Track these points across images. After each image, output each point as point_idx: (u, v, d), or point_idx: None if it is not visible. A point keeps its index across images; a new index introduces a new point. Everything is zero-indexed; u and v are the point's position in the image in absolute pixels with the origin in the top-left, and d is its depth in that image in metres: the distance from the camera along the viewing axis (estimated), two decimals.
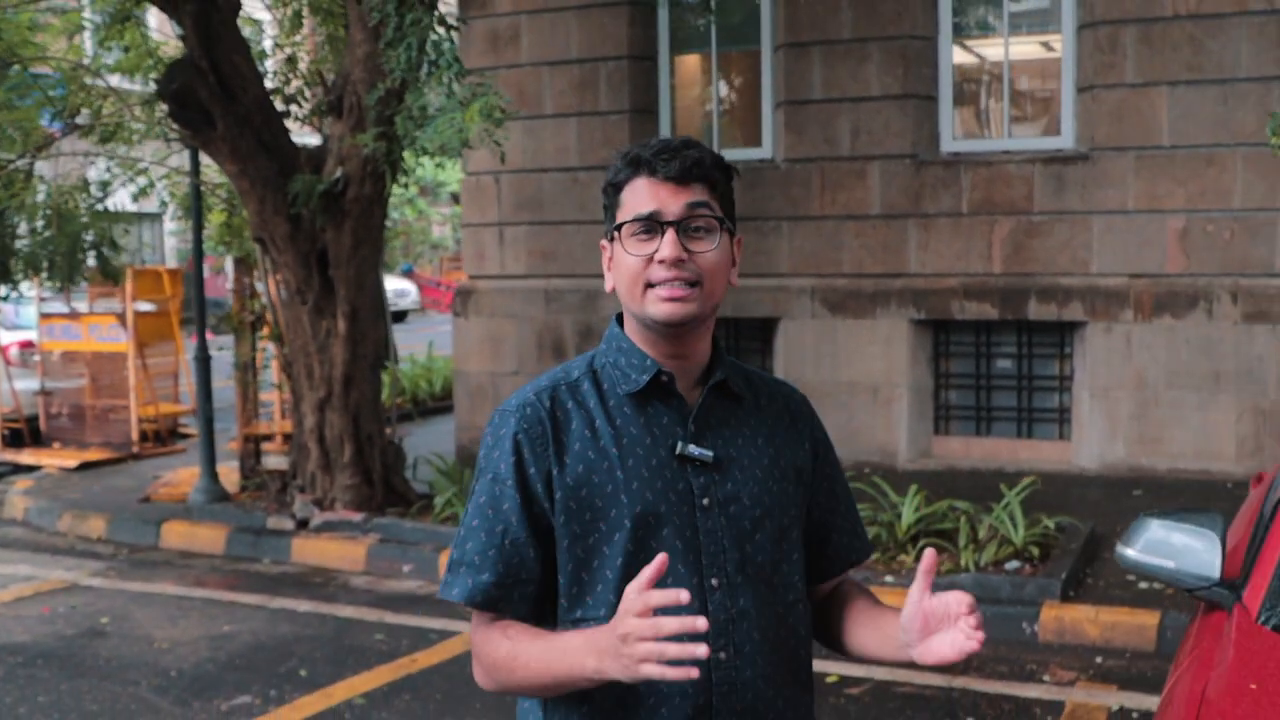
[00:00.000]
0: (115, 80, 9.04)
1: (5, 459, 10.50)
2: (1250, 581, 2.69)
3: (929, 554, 1.72)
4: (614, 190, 1.90)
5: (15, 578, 7.31)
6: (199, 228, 8.31)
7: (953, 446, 9.24)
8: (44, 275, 8.50)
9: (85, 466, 10.11)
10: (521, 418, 1.86)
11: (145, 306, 11.02)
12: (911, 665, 1.84)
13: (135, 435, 10.47)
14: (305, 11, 8.41)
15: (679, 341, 1.87)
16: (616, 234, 1.87)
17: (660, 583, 1.70)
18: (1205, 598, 2.81)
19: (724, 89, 9.97)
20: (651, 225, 1.83)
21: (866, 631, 1.96)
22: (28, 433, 10.91)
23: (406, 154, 7.46)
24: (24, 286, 9.20)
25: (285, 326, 7.82)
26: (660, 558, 1.65)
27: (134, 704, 5.23)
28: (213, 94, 7.03)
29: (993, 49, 9.24)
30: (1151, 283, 8.55)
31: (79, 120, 8.25)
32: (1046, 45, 9.14)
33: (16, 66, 7.81)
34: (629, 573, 1.76)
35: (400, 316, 27.86)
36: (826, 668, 5.51)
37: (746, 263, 9.34)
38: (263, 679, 5.50)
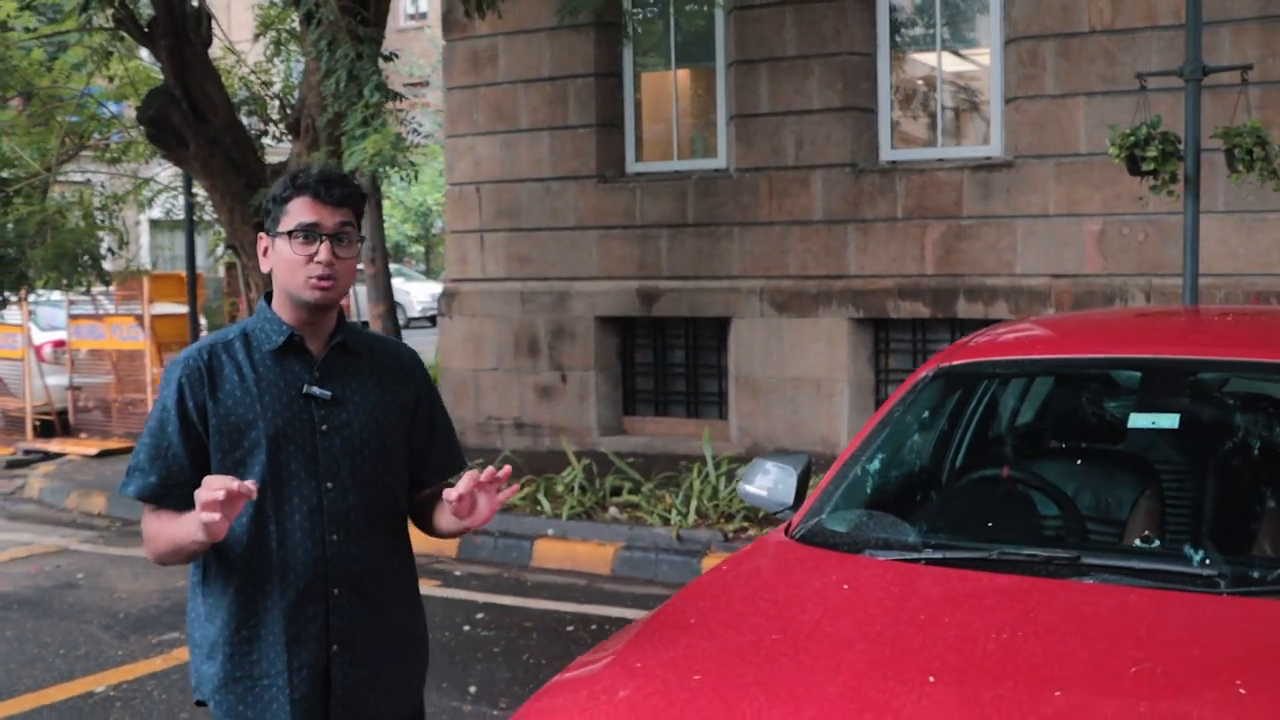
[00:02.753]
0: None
1: (35, 447, 11.90)
2: (804, 504, 3.62)
3: (489, 470, 2.69)
4: (282, 202, 2.71)
5: (15, 543, 8.61)
6: (191, 236, 9.54)
7: None
8: (41, 283, 9.75)
9: (105, 454, 11.44)
10: (185, 366, 2.75)
11: (167, 309, 12.31)
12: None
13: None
14: (284, 40, 9.57)
15: (315, 314, 2.77)
16: (283, 235, 2.71)
17: (288, 485, 2.69)
18: (782, 519, 3.75)
19: (683, 103, 10.92)
20: (312, 234, 2.71)
21: (442, 516, 2.89)
22: (58, 424, 12.32)
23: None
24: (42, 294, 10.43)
25: None
26: (249, 484, 2.52)
27: (82, 637, 6.41)
28: (185, 118, 8.22)
29: (927, 64, 10.08)
30: (1071, 282, 9.32)
31: (89, 143, 9.53)
32: (976, 60, 9.96)
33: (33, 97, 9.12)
34: (268, 475, 2.69)
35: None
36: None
37: (703, 265, 10.36)
38: None
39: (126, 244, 10.25)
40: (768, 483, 3.81)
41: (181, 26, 8.16)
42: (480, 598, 7.04)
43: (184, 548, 2.63)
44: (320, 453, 2.73)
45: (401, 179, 7.54)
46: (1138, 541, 3.30)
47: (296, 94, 8.95)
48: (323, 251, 2.69)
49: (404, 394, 2.87)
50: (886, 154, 9.99)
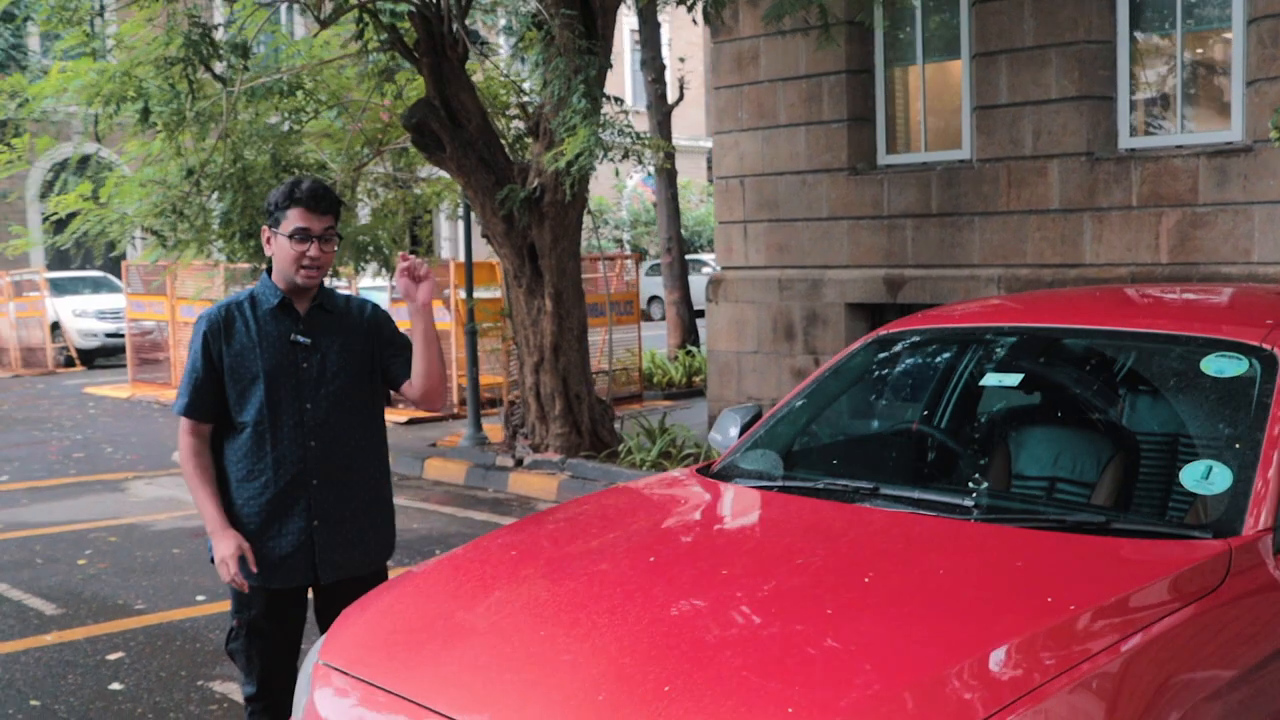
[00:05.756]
0: None
1: None
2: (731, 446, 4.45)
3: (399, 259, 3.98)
4: (283, 208, 3.92)
5: None
6: (469, 230, 11.11)
7: None
8: (348, 269, 11.57)
9: (412, 422, 13.33)
10: (209, 321, 4.03)
11: (484, 294, 14.07)
12: None
13: (456, 399, 13.56)
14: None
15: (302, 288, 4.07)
16: (283, 235, 3.94)
17: (273, 408, 3.94)
18: None
19: (930, 97, 11.45)
20: (306, 236, 3.98)
21: (414, 372, 4.06)
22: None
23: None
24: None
25: (510, 305, 10.41)
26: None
27: None
28: (442, 124, 9.72)
29: (1166, 49, 10.16)
30: None
31: (385, 147, 11.32)
32: (1217, 42, 9.96)
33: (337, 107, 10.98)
34: (266, 400, 3.94)
35: None
36: None
37: (945, 254, 10.93)
38: (409, 555, 8.07)
39: (401, 237, 12.01)
40: (730, 430, 4.66)
41: (440, 45, 9.67)
42: None
43: (203, 517, 3.96)
44: (302, 384, 3.95)
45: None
46: (970, 483, 3.93)
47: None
48: (313, 249, 3.90)
49: (362, 335, 4.05)
50: (1125, 142, 10.18)
